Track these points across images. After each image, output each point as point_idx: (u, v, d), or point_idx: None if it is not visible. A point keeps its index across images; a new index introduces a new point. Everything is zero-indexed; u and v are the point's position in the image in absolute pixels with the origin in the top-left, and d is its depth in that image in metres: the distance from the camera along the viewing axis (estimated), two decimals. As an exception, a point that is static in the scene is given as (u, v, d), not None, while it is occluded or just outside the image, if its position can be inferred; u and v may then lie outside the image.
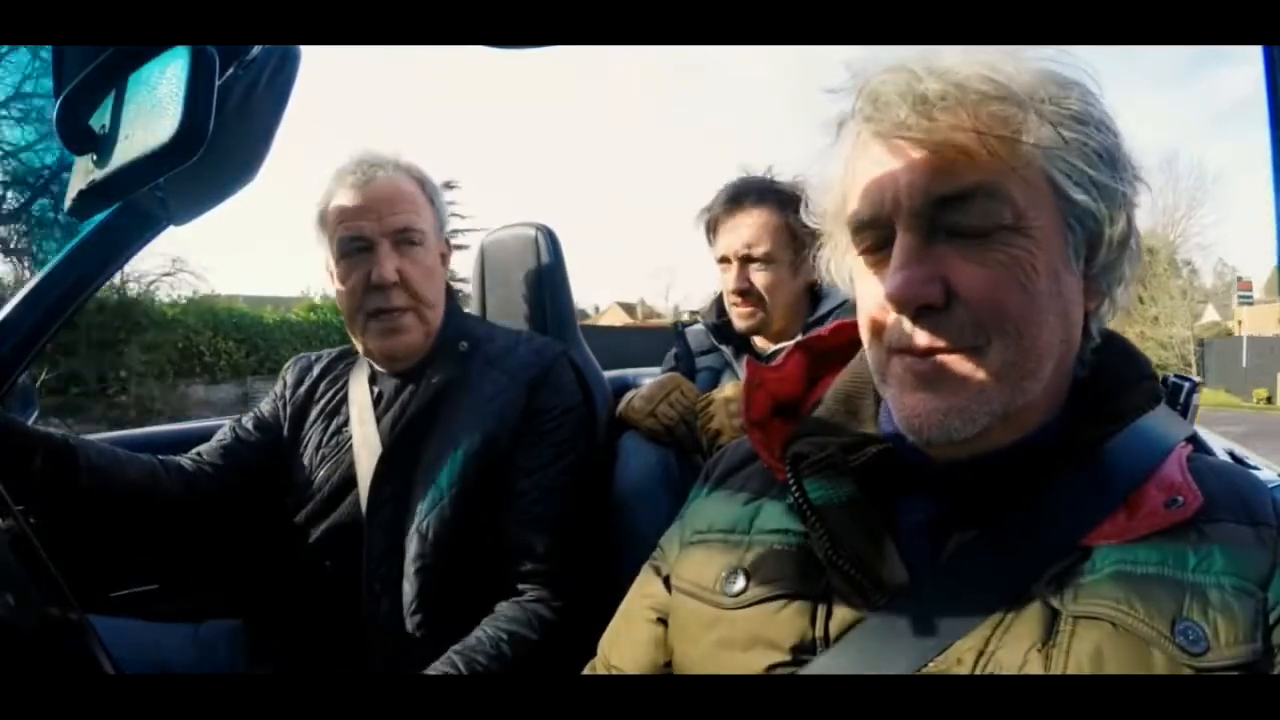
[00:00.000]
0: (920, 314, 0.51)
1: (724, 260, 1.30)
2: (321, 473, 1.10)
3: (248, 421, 1.19)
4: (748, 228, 1.26)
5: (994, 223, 0.49)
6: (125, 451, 1.05)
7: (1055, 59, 0.52)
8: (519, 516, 1.02)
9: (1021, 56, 0.51)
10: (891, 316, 0.52)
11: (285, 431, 1.17)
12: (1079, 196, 0.50)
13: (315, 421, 1.16)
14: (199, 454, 1.14)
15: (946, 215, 0.50)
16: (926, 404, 0.52)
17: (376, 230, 1.05)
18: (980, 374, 0.50)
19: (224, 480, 1.12)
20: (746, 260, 1.27)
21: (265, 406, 1.22)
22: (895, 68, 0.51)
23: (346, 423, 1.13)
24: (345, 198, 1.07)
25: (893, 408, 0.55)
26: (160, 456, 1.10)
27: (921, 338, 0.51)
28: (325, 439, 1.13)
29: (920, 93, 0.49)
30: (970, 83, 0.49)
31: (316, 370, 1.22)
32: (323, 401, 1.17)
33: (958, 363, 0.51)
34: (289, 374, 1.23)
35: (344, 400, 1.15)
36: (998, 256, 0.50)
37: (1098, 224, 0.51)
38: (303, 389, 1.20)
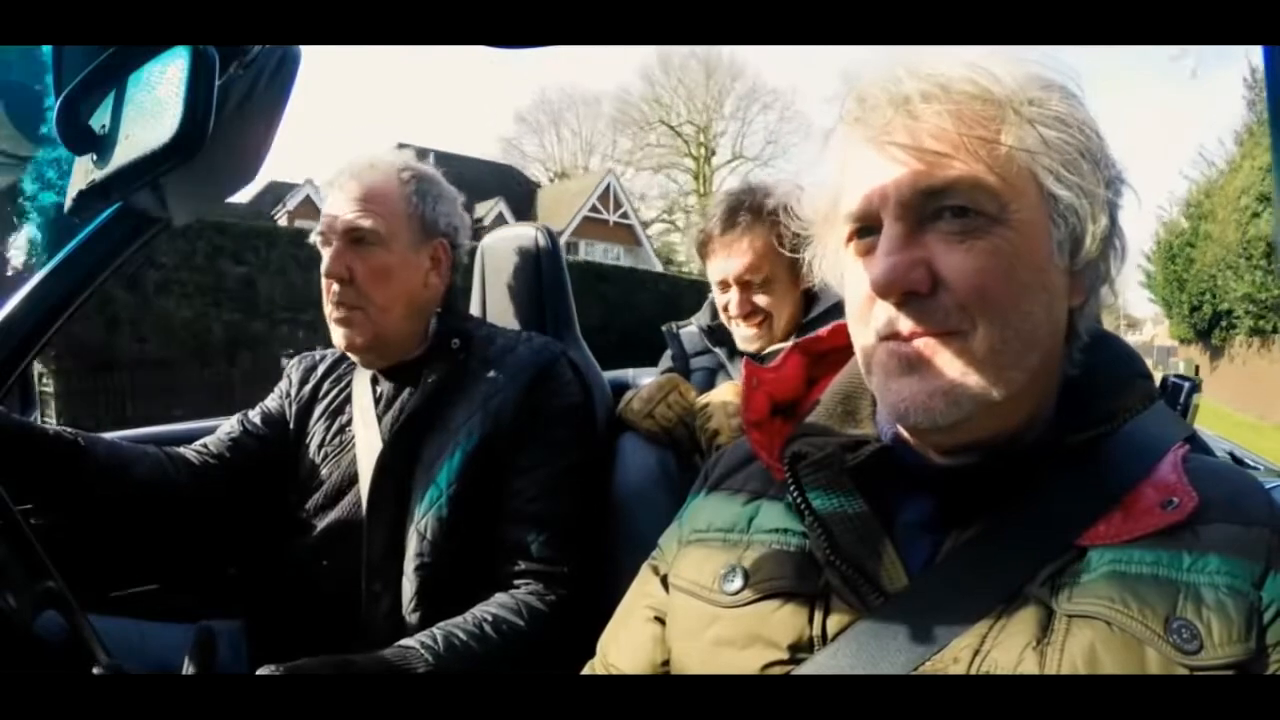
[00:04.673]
0: (906, 300, 0.52)
1: (723, 284, 1.28)
2: (323, 471, 1.11)
3: (254, 415, 1.20)
4: (745, 253, 1.24)
5: (979, 213, 0.50)
6: (132, 446, 1.05)
7: (1041, 61, 0.53)
8: (514, 515, 1.02)
9: (1008, 59, 0.53)
10: (878, 304, 0.53)
11: (290, 428, 1.18)
12: (1062, 193, 0.51)
13: (318, 420, 1.16)
14: (205, 445, 1.15)
15: (932, 205, 0.51)
16: (910, 387, 0.52)
17: (333, 228, 1.08)
18: (964, 359, 0.51)
19: (229, 473, 1.13)
20: (746, 285, 1.25)
21: (271, 402, 1.22)
22: (881, 71, 0.52)
23: (349, 422, 1.13)
24: (329, 196, 1.11)
25: (878, 395, 0.56)
26: (166, 449, 1.10)
27: (907, 323, 0.52)
28: (328, 438, 1.14)
29: (904, 94, 0.51)
30: (954, 84, 0.51)
31: (321, 369, 1.22)
32: (326, 400, 1.18)
33: (942, 346, 0.51)
34: (294, 372, 1.24)
35: (347, 399, 1.16)
36: (982, 245, 0.50)
37: (1080, 221, 0.52)
38: (307, 387, 1.20)
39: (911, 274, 0.51)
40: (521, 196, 23.50)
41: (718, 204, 1.29)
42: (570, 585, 1.00)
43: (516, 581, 1.00)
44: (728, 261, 1.26)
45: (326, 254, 1.08)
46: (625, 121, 29.32)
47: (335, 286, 1.07)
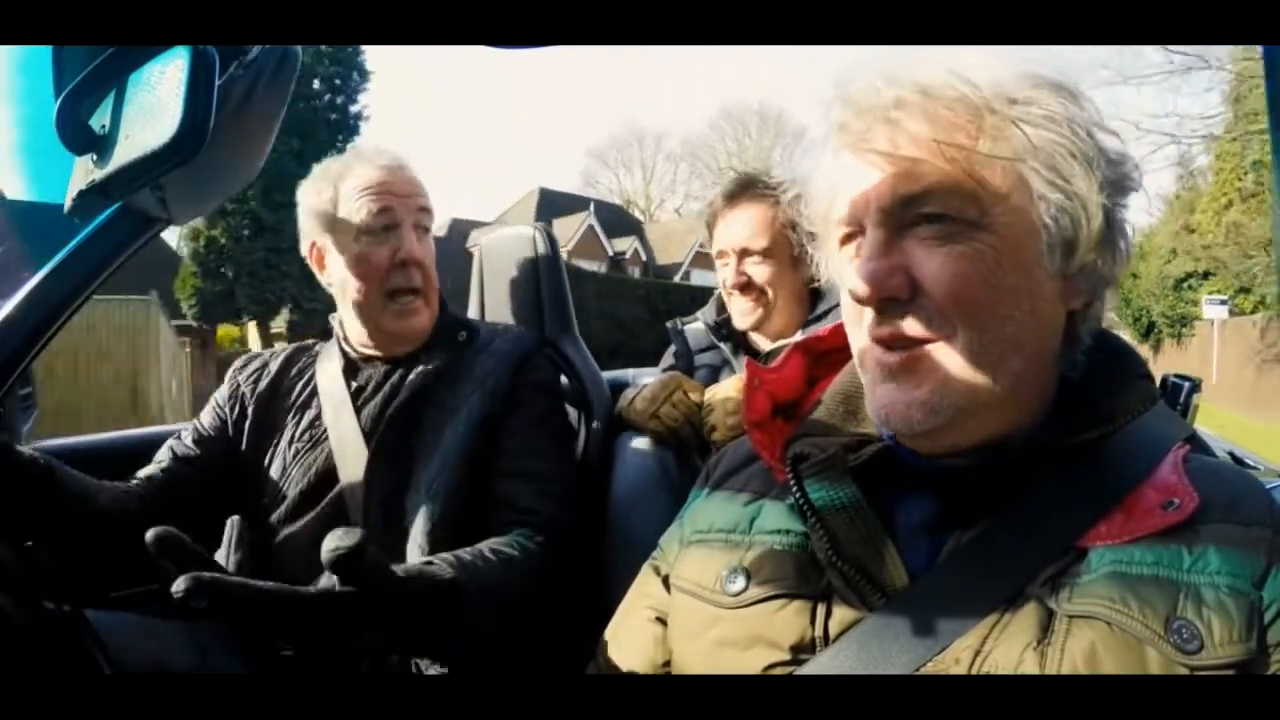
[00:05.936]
0: (886, 305, 0.53)
1: (721, 255, 1.31)
2: (297, 469, 1.09)
3: (187, 438, 1.16)
4: (744, 222, 1.27)
5: (957, 218, 0.51)
6: (93, 481, 1.02)
7: (1036, 60, 0.53)
8: (502, 470, 1.07)
9: (998, 59, 0.52)
10: (865, 308, 0.54)
11: (245, 434, 1.14)
12: (1052, 195, 0.51)
13: (287, 418, 1.14)
14: (147, 477, 1.10)
15: (910, 212, 0.52)
16: (891, 395, 0.53)
17: (403, 209, 1.10)
18: (943, 367, 0.52)
19: (171, 503, 1.09)
20: (744, 254, 1.28)
21: (207, 418, 1.18)
22: (865, 77, 0.53)
23: (319, 416, 1.12)
24: (373, 176, 1.10)
25: (866, 398, 0.57)
26: (120, 484, 1.07)
27: (887, 328, 0.53)
28: (298, 434, 1.12)
29: (882, 101, 0.51)
30: (932, 90, 0.51)
31: (274, 367, 1.20)
32: (291, 396, 1.16)
33: (921, 356, 0.52)
34: (241, 375, 1.20)
35: (314, 394, 1.15)
36: (961, 250, 0.51)
37: (1073, 223, 0.51)
38: (264, 385, 1.18)
39: (890, 280, 0.51)
40: (639, 232, 27.35)
41: (725, 182, 1.34)
42: (553, 530, 1.04)
43: (508, 528, 1.03)
44: (728, 230, 1.30)
45: (388, 237, 1.09)
46: (693, 160, 34.17)
47: (408, 271, 1.10)
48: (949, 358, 0.51)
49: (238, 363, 1.24)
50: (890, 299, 0.52)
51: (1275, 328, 10.94)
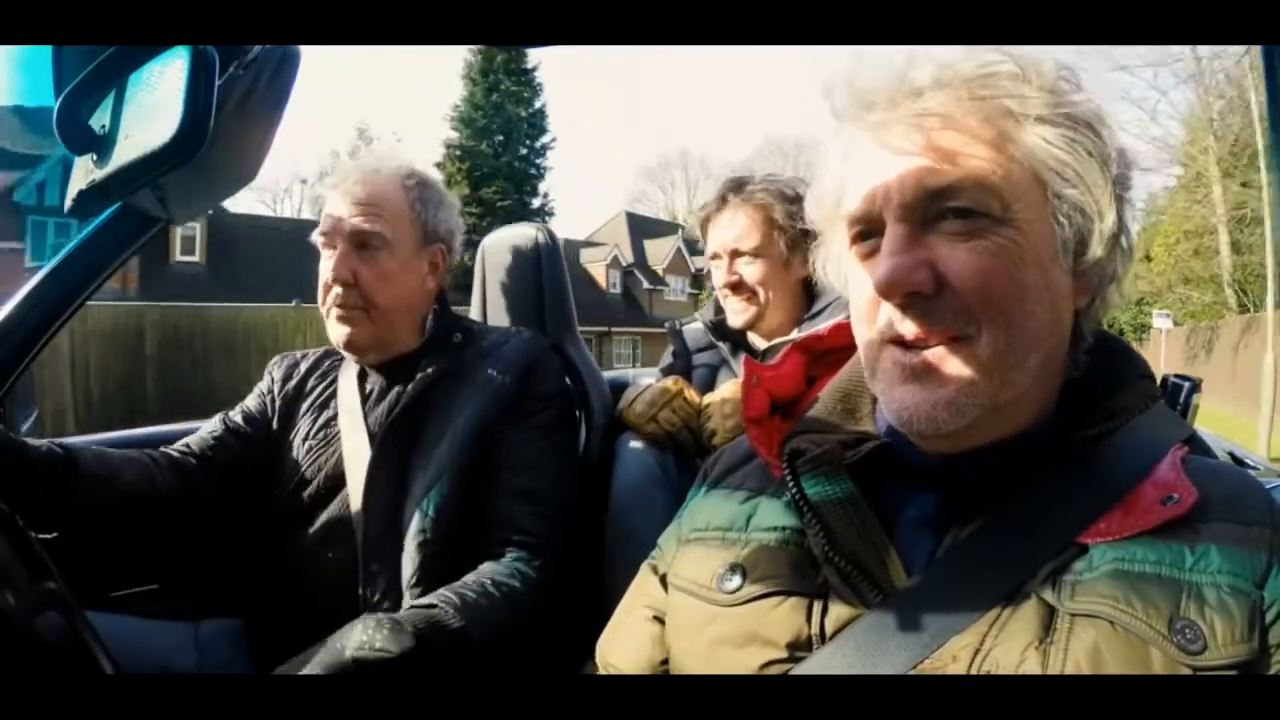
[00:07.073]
0: (910, 301, 0.51)
1: (715, 257, 1.33)
2: (308, 469, 1.12)
3: (236, 415, 1.20)
4: (734, 223, 1.28)
5: (982, 213, 0.50)
6: (119, 453, 1.04)
7: (1047, 59, 0.53)
8: (502, 489, 1.07)
9: (1013, 58, 0.52)
10: (882, 306, 0.53)
11: (274, 427, 1.18)
12: (1067, 191, 0.51)
13: (304, 415, 1.17)
14: (188, 445, 1.15)
15: (935, 206, 0.51)
16: (915, 396, 0.52)
17: (339, 230, 1.10)
18: (969, 365, 0.51)
19: (214, 472, 1.13)
20: (735, 255, 1.29)
21: (252, 402, 1.22)
22: (883, 72, 0.52)
23: (334, 418, 1.14)
24: (330, 198, 1.12)
25: (882, 401, 0.56)
26: (149, 452, 1.09)
27: (911, 325, 0.52)
28: (313, 431, 1.15)
29: (904, 94, 0.51)
30: (956, 84, 0.51)
31: (304, 367, 1.23)
32: (311, 397, 1.19)
33: (946, 355, 0.51)
34: (276, 370, 1.24)
35: (332, 396, 1.18)
36: (986, 245, 0.50)
37: (1086, 220, 0.52)
38: (291, 384, 1.21)
39: (915, 274, 0.50)
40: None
41: (717, 185, 1.35)
42: (551, 553, 1.04)
43: (505, 550, 1.04)
44: (718, 232, 1.31)
45: (329, 256, 1.10)
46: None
47: (338, 289, 1.09)
48: (974, 356, 0.51)
49: (275, 360, 1.28)
50: (914, 294, 0.51)
51: (1193, 337, 16.36)
